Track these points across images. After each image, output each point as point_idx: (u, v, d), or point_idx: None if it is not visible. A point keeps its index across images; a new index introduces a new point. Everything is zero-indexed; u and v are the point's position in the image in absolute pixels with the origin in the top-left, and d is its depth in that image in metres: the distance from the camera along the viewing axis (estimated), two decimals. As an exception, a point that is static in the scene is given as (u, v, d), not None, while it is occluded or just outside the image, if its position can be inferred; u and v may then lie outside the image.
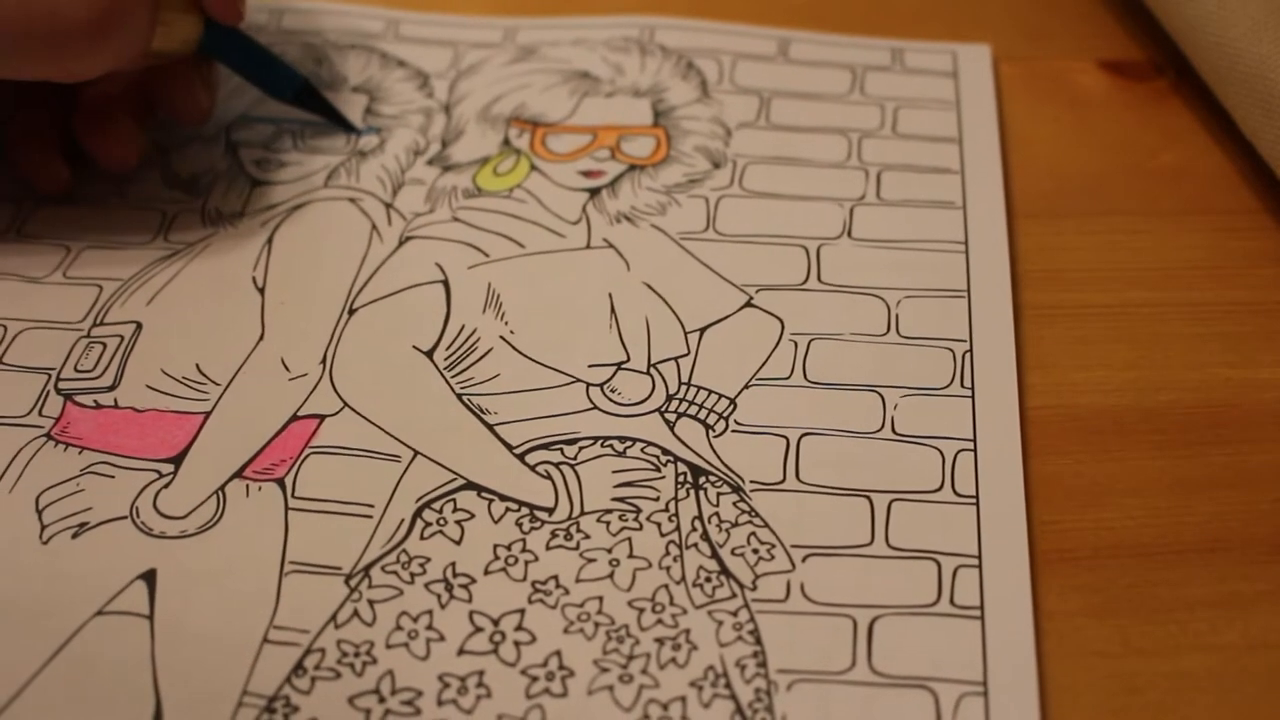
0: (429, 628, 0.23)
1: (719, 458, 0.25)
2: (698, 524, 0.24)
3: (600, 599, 0.23)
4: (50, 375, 0.27)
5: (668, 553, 0.24)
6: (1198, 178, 0.32)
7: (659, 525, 0.24)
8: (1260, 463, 0.26)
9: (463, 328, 0.28)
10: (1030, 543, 0.24)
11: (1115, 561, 0.24)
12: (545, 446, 0.25)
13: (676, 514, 0.24)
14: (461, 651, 0.22)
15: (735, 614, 0.23)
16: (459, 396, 0.26)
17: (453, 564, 0.24)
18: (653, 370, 0.27)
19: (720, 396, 0.26)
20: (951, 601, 0.23)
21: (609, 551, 0.24)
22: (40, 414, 0.26)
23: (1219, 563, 0.24)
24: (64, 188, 0.30)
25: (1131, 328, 0.28)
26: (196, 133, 0.32)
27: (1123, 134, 0.33)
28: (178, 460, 0.25)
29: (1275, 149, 0.30)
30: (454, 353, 0.27)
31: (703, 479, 0.25)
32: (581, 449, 0.25)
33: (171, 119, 0.31)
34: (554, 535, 0.24)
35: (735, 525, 0.24)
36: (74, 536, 0.24)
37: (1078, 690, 0.22)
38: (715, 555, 0.24)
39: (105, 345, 0.27)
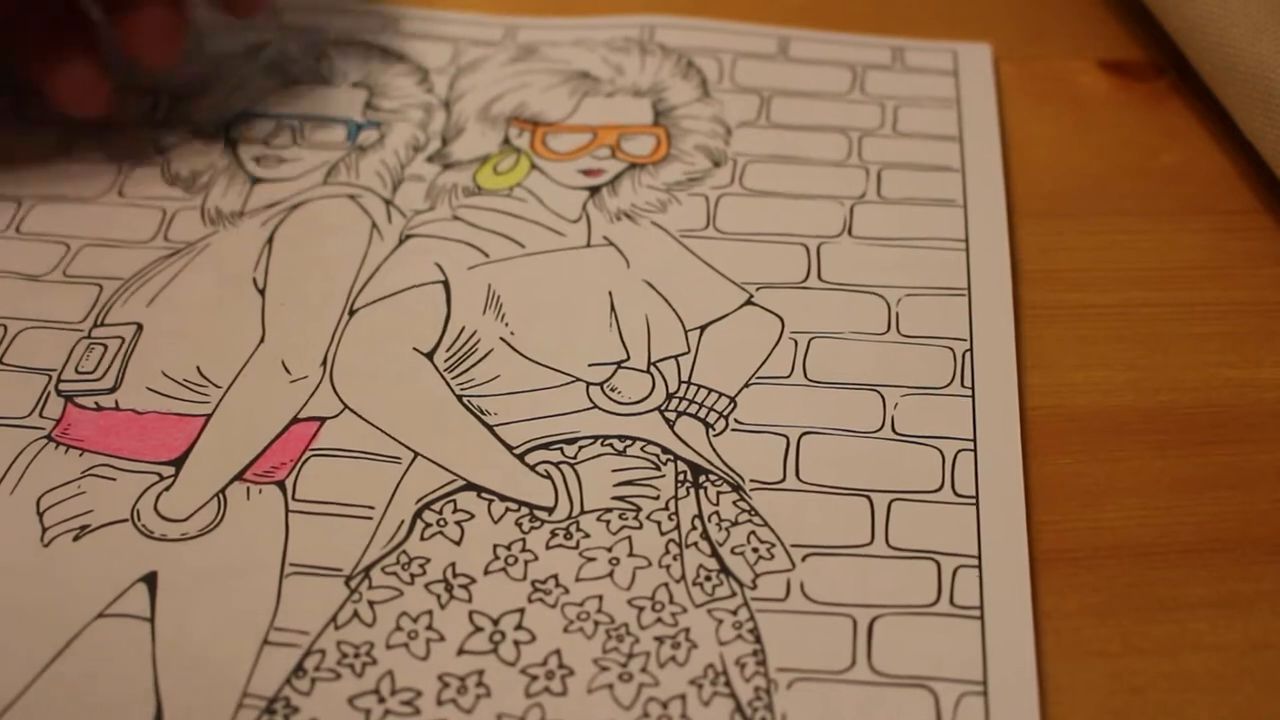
0: (429, 628, 0.23)
1: (719, 456, 0.25)
2: (698, 523, 0.24)
3: (600, 598, 0.23)
4: (51, 376, 0.27)
5: (667, 551, 0.24)
6: (1198, 178, 0.32)
7: (659, 524, 0.24)
8: (1260, 463, 0.26)
9: (463, 329, 0.28)
10: (1030, 543, 0.24)
11: (1115, 561, 0.24)
12: (545, 446, 0.25)
13: (676, 513, 0.24)
14: (461, 651, 0.22)
15: (735, 613, 0.23)
16: (459, 398, 0.26)
17: (452, 564, 0.24)
18: (653, 369, 0.27)
19: (720, 395, 0.26)
20: (951, 601, 0.23)
21: (609, 550, 0.24)
22: (41, 415, 0.26)
23: (1219, 563, 0.24)
24: (105, 105, 0.29)
25: (1131, 328, 0.28)
26: (196, 130, 0.32)
27: (1123, 134, 0.33)
28: (178, 463, 0.25)
29: (1275, 149, 0.30)
30: (454, 354, 0.27)
31: (703, 478, 0.25)
32: (581, 448, 0.25)
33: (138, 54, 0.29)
34: (554, 535, 0.24)
35: (735, 524, 0.24)
36: (75, 539, 0.24)
37: (1077, 690, 0.22)
38: (715, 554, 0.24)
39: (106, 347, 0.27)
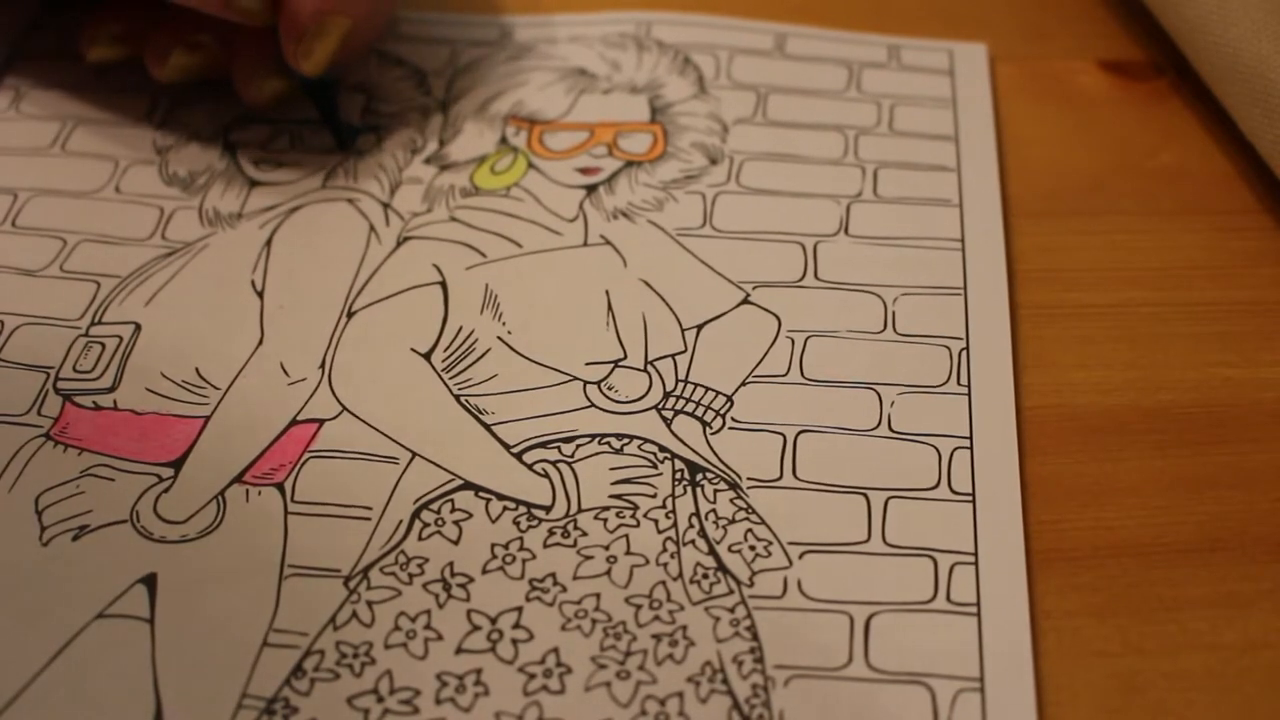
0: (427, 627, 0.23)
1: (716, 455, 0.25)
2: (695, 521, 0.24)
3: (597, 596, 0.23)
4: (49, 374, 0.27)
5: (665, 549, 0.24)
6: (1198, 178, 0.32)
7: (656, 522, 0.24)
8: (1260, 463, 0.26)
9: (460, 329, 0.28)
10: (1029, 542, 0.24)
11: (1115, 561, 0.24)
12: (542, 445, 0.25)
13: (674, 511, 0.24)
14: (459, 650, 0.22)
15: (732, 610, 0.23)
16: (457, 398, 0.26)
17: (450, 564, 0.24)
18: (650, 367, 0.27)
19: (717, 394, 0.26)
20: (948, 598, 0.23)
21: (606, 549, 0.24)
22: (39, 413, 0.26)
23: (1219, 563, 0.24)
24: (266, 100, 0.31)
25: (1131, 328, 0.28)
26: (194, 131, 0.32)
27: (1123, 134, 0.33)
28: (177, 465, 0.25)
29: (1275, 149, 0.30)
30: (452, 354, 0.27)
31: (700, 476, 0.25)
32: (579, 447, 0.25)
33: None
34: (551, 533, 0.24)
35: (732, 522, 0.24)
36: (74, 539, 0.24)
37: (1076, 689, 0.22)
38: (712, 552, 0.24)
39: (104, 346, 0.27)
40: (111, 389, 0.26)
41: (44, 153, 0.32)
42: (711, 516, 0.24)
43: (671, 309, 0.28)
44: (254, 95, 0.31)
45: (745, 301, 0.28)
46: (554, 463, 0.25)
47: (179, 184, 0.31)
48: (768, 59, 0.34)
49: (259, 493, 0.25)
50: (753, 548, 0.24)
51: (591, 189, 0.31)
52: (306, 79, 0.30)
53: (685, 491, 0.25)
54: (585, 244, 0.30)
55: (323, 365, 0.27)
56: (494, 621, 0.23)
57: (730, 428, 0.26)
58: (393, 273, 0.29)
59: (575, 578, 0.23)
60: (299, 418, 0.26)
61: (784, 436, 0.26)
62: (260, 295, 0.28)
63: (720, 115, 0.33)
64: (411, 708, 0.22)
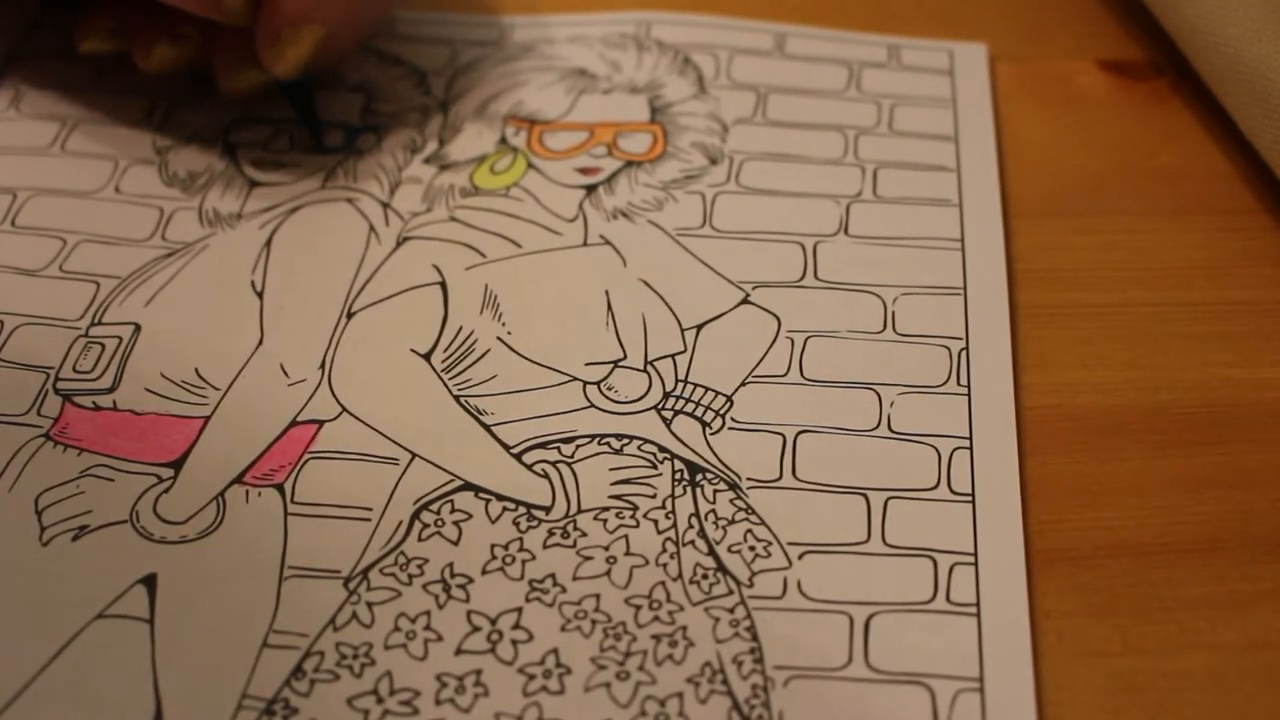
0: (427, 628, 0.23)
1: (716, 455, 0.25)
2: (694, 521, 0.24)
3: (597, 597, 0.23)
4: (49, 374, 0.27)
5: (664, 550, 0.24)
6: (1197, 177, 0.32)
7: (656, 523, 0.24)
8: (1260, 463, 0.26)
9: (460, 329, 0.28)
10: (1029, 542, 0.24)
11: (1114, 561, 0.24)
12: (542, 445, 0.25)
13: (673, 511, 0.24)
14: (459, 651, 0.22)
15: (732, 611, 0.23)
16: (456, 398, 0.26)
17: (450, 564, 0.24)
18: (649, 368, 0.27)
19: (717, 394, 0.26)
20: (948, 598, 0.23)
21: (606, 549, 0.24)
22: (39, 414, 0.26)
23: (1218, 562, 0.24)
24: (241, 90, 0.31)
25: (1131, 328, 0.28)
26: (194, 132, 0.32)
27: (1122, 134, 0.33)
28: (177, 465, 0.25)
29: (1275, 148, 0.30)
30: (451, 355, 0.27)
31: (699, 476, 0.25)
32: (578, 447, 0.25)
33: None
34: (551, 534, 0.24)
35: (732, 522, 0.24)
36: (74, 539, 0.24)
37: (1076, 689, 0.22)
38: (712, 552, 0.24)
39: (104, 346, 0.27)
40: (111, 389, 0.26)
41: (43, 153, 0.32)
42: (711, 517, 0.24)
43: (671, 309, 0.28)
44: (231, 85, 0.31)
45: (745, 301, 0.28)
46: (554, 463, 0.25)
47: (179, 184, 0.31)
48: (768, 59, 0.34)
49: (259, 493, 0.25)
50: (752, 548, 0.24)
51: (591, 189, 0.31)
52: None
53: (685, 492, 0.25)
54: (585, 244, 0.30)
55: (323, 366, 0.27)
56: (494, 622, 0.23)
57: (730, 428, 0.26)
58: (392, 273, 0.29)
59: (575, 578, 0.23)
60: (299, 418, 0.26)
61: (784, 437, 0.26)
62: (260, 295, 0.28)
63: (720, 115, 0.33)
64: (411, 709, 0.22)
